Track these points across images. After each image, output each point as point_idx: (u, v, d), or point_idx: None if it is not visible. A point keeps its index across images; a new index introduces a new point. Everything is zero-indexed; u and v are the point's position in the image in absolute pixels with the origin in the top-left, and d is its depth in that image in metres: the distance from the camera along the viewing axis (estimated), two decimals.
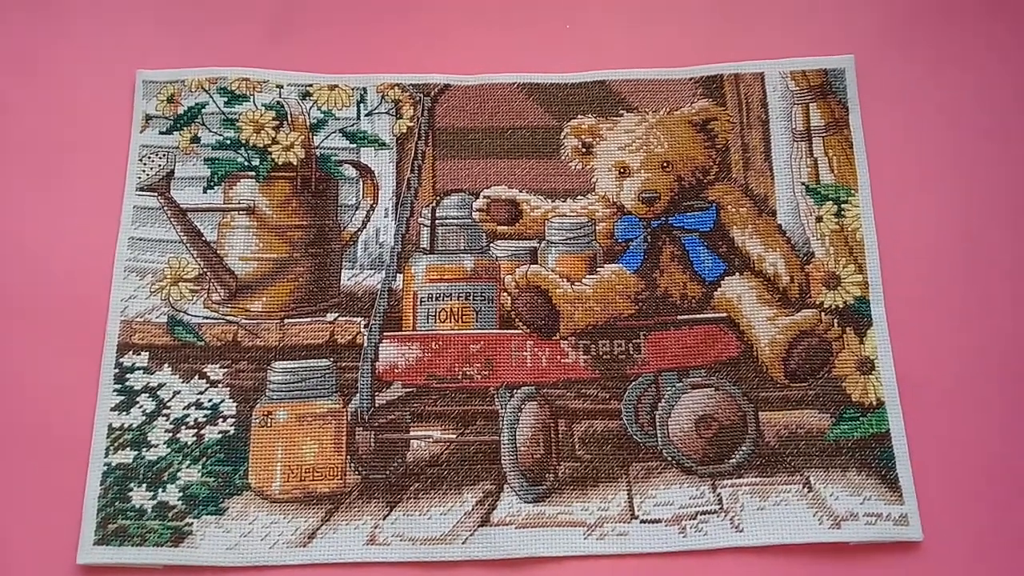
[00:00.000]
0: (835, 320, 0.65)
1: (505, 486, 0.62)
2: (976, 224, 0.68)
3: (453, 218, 0.68)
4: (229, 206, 0.68)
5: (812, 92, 0.71)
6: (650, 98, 0.71)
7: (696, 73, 0.71)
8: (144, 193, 0.68)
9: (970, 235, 0.68)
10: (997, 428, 0.64)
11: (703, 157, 0.69)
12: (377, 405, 0.64)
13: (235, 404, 0.64)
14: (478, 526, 0.61)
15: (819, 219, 0.68)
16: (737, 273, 0.67)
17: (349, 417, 0.64)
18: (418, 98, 0.71)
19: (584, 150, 0.70)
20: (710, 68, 0.71)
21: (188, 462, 0.62)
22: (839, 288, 0.66)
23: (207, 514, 0.61)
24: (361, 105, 0.71)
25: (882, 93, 0.71)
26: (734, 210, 0.68)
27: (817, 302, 0.66)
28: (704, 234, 0.68)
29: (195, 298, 0.66)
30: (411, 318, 0.66)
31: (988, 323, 0.66)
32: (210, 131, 0.70)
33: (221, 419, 0.63)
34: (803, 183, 0.69)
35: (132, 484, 0.62)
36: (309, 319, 0.66)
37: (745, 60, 0.72)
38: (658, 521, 0.61)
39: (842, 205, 0.68)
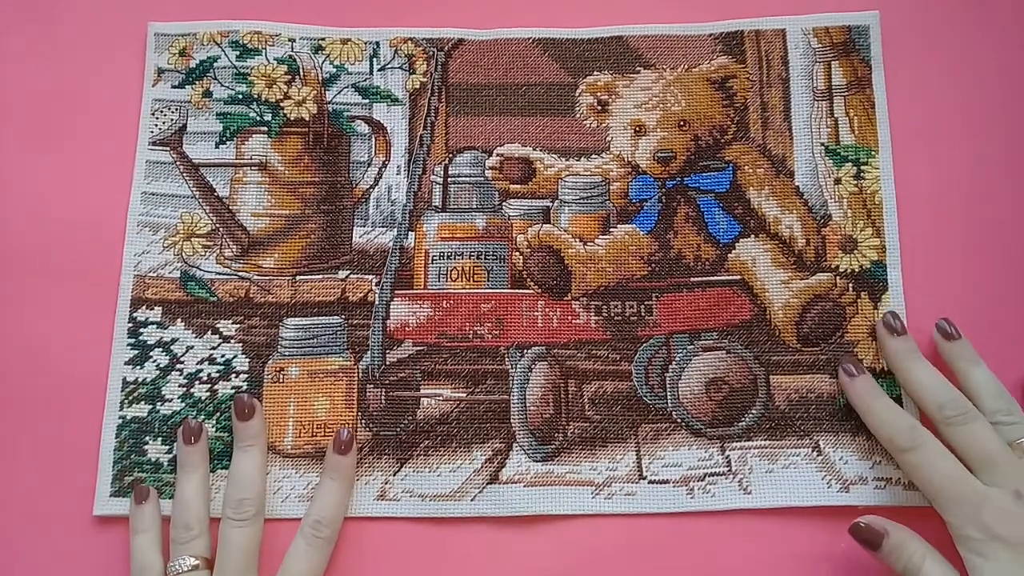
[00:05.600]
0: (850, 284, 0.65)
1: (514, 444, 0.63)
2: (998, 189, 0.67)
3: (466, 176, 0.67)
4: (241, 161, 0.68)
5: (835, 49, 0.69)
6: (668, 54, 0.69)
7: (716, 29, 0.70)
8: (157, 148, 0.68)
9: (991, 200, 0.67)
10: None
11: (721, 116, 0.68)
12: (388, 363, 0.64)
13: (248, 360, 0.64)
14: (487, 483, 0.62)
15: (838, 181, 0.66)
16: (752, 235, 0.66)
17: (360, 374, 0.64)
18: (431, 53, 0.70)
19: (599, 108, 0.69)
20: (730, 24, 0.70)
21: (202, 417, 0.63)
22: (855, 252, 0.65)
23: (221, 468, 0.62)
24: (374, 60, 0.70)
25: (907, 52, 0.69)
26: (751, 171, 0.67)
27: (833, 266, 0.65)
28: (720, 195, 0.67)
29: (208, 253, 0.66)
30: (422, 276, 0.66)
31: (1006, 291, 0.65)
32: (222, 85, 0.69)
33: (234, 374, 0.64)
34: (823, 144, 0.67)
35: (147, 438, 0.63)
36: (321, 276, 0.66)
37: (766, 16, 0.70)
38: (666, 482, 0.62)
39: (862, 167, 0.67)
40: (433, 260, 0.66)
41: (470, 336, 0.65)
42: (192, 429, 0.61)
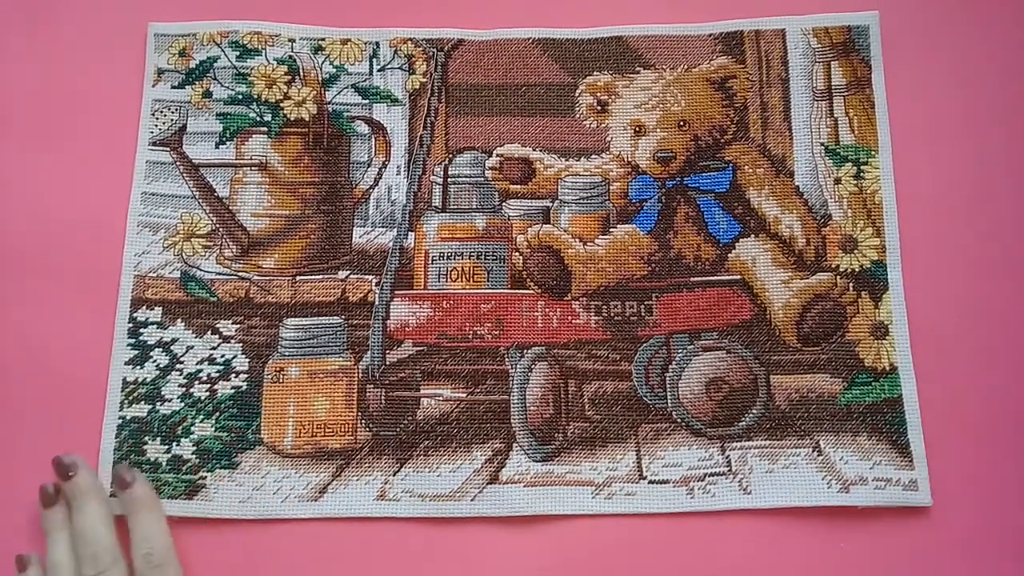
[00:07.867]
0: (850, 284, 0.65)
1: (514, 445, 0.63)
2: (998, 189, 0.67)
3: (465, 176, 0.67)
4: (241, 162, 0.68)
5: (835, 49, 0.69)
6: (668, 55, 0.69)
7: (716, 29, 0.70)
8: (157, 148, 0.68)
9: (991, 200, 0.67)
10: (1011, 395, 0.63)
11: (720, 116, 0.68)
12: (388, 363, 0.64)
13: (247, 360, 0.64)
14: (487, 484, 0.62)
15: (838, 181, 0.66)
16: (752, 235, 0.66)
17: (360, 374, 0.64)
18: (431, 53, 0.70)
19: (599, 108, 0.69)
20: (730, 24, 0.70)
21: (202, 416, 0.63)
22: (856, 251, 0.65)
23: (220, 468, 0.62)
24: (374, 60, 0.70)
25: (907, 52, 0.69)
26: (751, 171, 0.67)
27: (833, 265, 0.65)
28: (720, 195, 0.67)
29: (208, 254, 0.66)
30: (422, 277, 0.66)
31: (1007, 289, 0.65)
32: (222, 86, 0.69)
33: (234, 374, 0.64)
34: (822, 144, 0.67)
35: (147, 438, 0.63)
36: (321, 276, 0.66)
37: (766, 16, 0.70)
38: (666, 482, 0.62)
39: (862, 167, 0.67)
40: (433, 260, 0.66)
41: (470, 336, 0.65)
42: (48, 494, 0.59)
